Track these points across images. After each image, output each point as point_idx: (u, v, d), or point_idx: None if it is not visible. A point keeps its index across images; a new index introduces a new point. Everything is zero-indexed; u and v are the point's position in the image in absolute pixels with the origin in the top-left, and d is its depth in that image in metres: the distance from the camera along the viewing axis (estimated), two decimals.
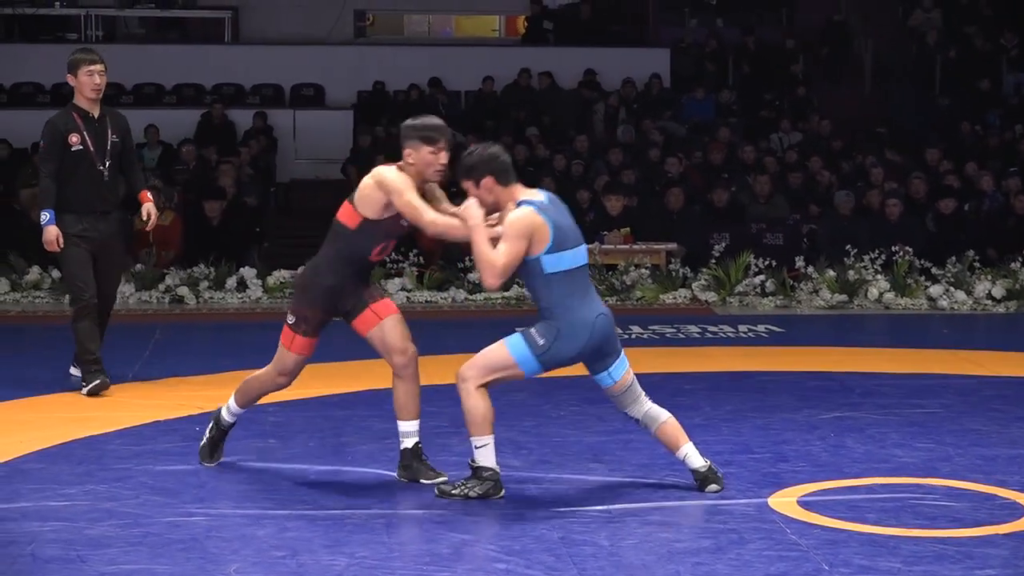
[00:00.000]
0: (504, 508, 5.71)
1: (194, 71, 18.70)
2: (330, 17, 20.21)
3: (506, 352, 5.68)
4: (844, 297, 12.26)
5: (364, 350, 9.56)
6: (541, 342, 5.63)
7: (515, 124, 17.22)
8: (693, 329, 10.83)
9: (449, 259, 12.87)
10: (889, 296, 12.27)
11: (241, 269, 12.65)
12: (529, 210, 5.61)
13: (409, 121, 5.98)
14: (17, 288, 12.55)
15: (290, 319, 6.13)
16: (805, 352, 9.84)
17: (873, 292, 12.27)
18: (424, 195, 5.88)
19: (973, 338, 10.88)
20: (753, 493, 5.90)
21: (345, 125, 17.79)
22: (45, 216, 8.11)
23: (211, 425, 6.40)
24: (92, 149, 8.22)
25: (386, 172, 5.87)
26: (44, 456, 6.61)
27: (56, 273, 12.56)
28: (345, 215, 5.95)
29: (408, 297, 12.48)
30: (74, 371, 8.48)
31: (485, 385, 5.69)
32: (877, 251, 12.51)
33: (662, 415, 5.87)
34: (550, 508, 5.64)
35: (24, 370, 8.88)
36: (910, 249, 12.62)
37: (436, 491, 5.86)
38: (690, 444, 5.88)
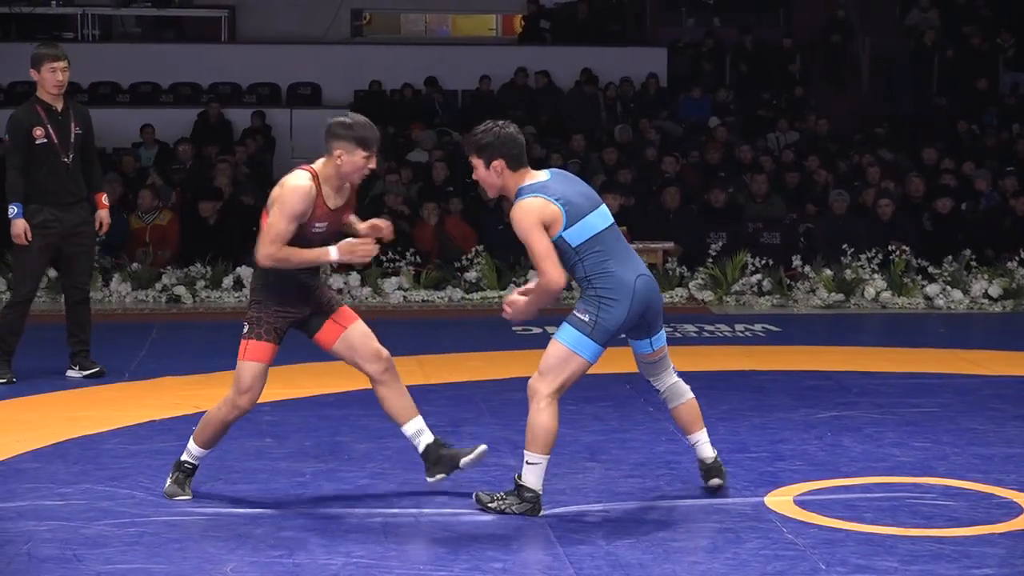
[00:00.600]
0: None
1: (190, 70, 18.68)
2: (327, 16, 20.20)
3: (559, 345, 5.50)
4: (841, 296, 12.26)
5: None
6: (586, 318, 5.47)
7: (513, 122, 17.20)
8: (690, 328, 10.83)
9: (446, 258, 12.87)
10: (886, 295, 12.27)
11: (238, 268, 12.64)
12: (530, 200, 5.49)
13: (341, 119, 5.66)
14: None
15: (243, 330, 5.85)
16: (802, 351, 9.84)
17: (870, 291, 12.27)
18: (340, 194, 5.65)
19: (970, 337, 10.88)
20: (750, 492, 5.90)
21: None
22: (13, 210, 8.24)
23: (173, 470, 5.90)
24: (56, 141, 8.34)
25: (288, 181, 5.57)
26: (40, 455, 6.60)
27: (52, 272, 12.55)
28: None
29: (405, 296, 12.48)
30: (73, 372, 8.58)
31: (557, 394, 5.50)
32: (874, 250, 12.52)
33: (687, 393, 5.82)
34: (547, 507, 5.63)
35: (19, 369, 8.86)
36: (907, 248, 12.63)
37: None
38: (705, 432, 5.85)
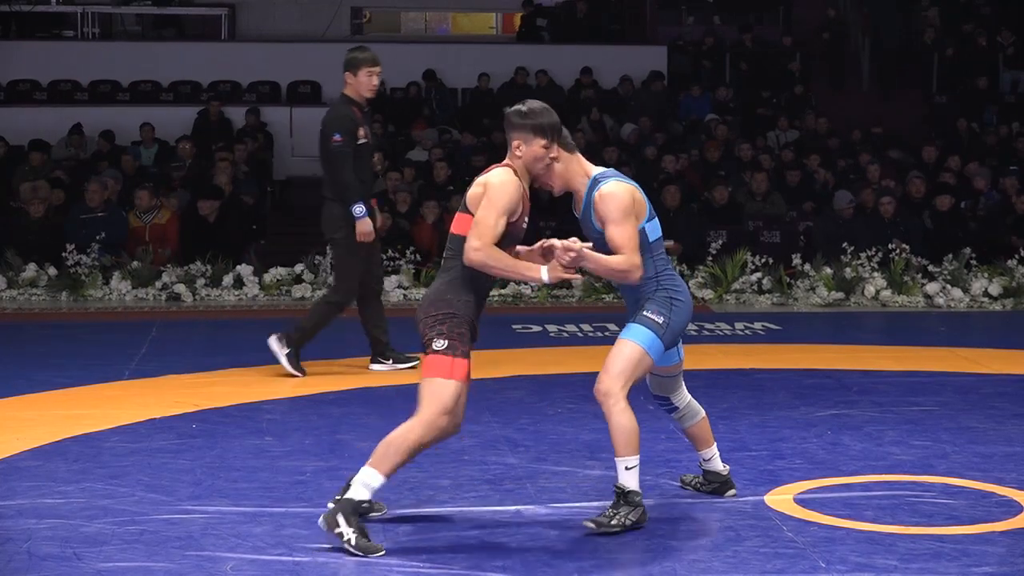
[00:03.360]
0: (501, 505, 5.70)
1: (190, 68, 18.67)
2: (327, 14, 20.21)
3: (633, 345, 5.35)
4: (841, 295, 12.26)
5: (357, 348, 9.59)
6: (660, 320, 5.39)
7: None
8: (690, 326, 10.79)
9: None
10: (886, 294, 12.27)
11: (238, 266, 12.64)
12: (623, 184, 5.39)
13: (517, 107, 5.32)
14: (14, 285, 12.53)
15: (439, 344, 5.15)
16: (802, 349, 9.83)
17: (870, 290, 12.27)
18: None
19: (970, 336, 10.89)
20: (750, 491, 5.90)
21: None
22: (359, 209, 8.41)
23: (344, 517, 5.09)
24: (370, 142, 8.68)
25: (493, 176, 5.22)
26: (40, 453, 6.60)
27: (52, 270, 12.56)
28: (462, 226, 5.25)
29: (405, 294, 12.48)
30: (380, 366, 8.79)
31: (627, 394, 5.35)
32: (874, 249, 12.52)
33: (702, 411, 5.83)
34: (547, 505, 5.63)
35: (20, 368, 8.87)
36: (907, 247, 12.63)
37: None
38: (716, 446, 5.85)
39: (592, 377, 5.46)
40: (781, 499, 5.77)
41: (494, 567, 4.93)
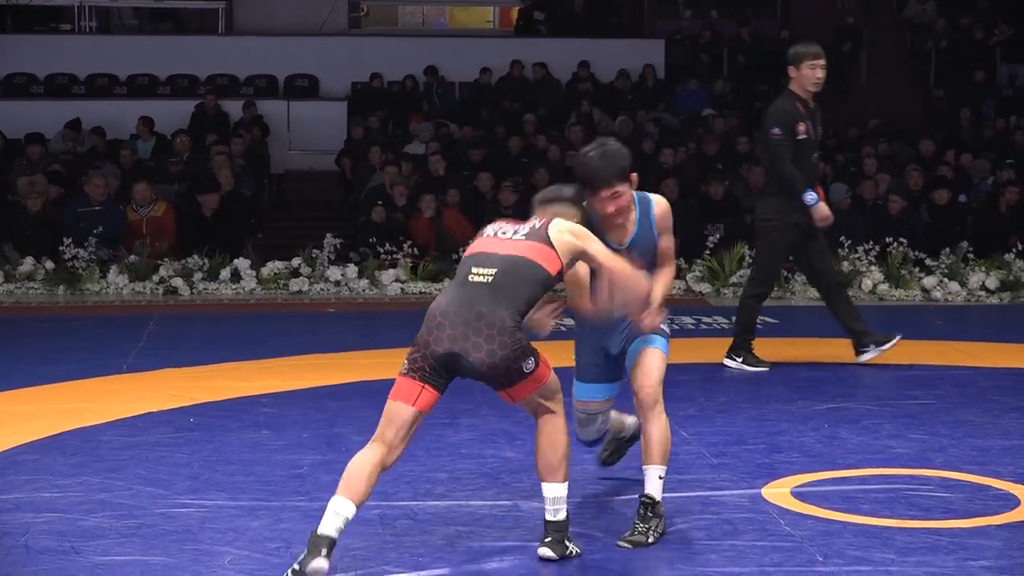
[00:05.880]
0: (499, 499, 5.70)
1: (188, 62, 18.66)
2: (324, 8, 20.18)
3: (662, 354, 5.35)
4: None
5: (354, 341, 9.61)
6: (667, 329, 5.45)
7: (508, 115, 17.21)
8: (687, 320, 10.83)
9: (443, 250, 12.86)
10: (883, 287, 12.27)
11: (235, 260, 12.64)
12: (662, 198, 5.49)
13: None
14: (11, 279, 12.53)
15: (528, 365, 4.88)
16: (799, 343, 9.84)
17: (867, 283, 12.28)
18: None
19: (967, 329, 10.89)
20: (747, 484, 5.90)
21: (339, 116, 17.75)
22: (811, 197, 8.46)
23: (555, 539, 4.99)
24: (812, 137, 8.59)
25: None
26: (38, 447, 6.60)
27: (49, 264, 12.55)
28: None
29: (402, 288, 12.48)
30: (735, 363, 8.77)
31: None
32: (871, 242, 12.51)
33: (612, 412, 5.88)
34: (544, 501, 5.62)
35: (18, 361, 8.87)
36: (904, 240, 12.63)
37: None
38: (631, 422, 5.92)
39: None
40: (778, 492, 5.77)
41: (492, 561, 4.93)
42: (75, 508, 5.54)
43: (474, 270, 4.91)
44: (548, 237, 4.95)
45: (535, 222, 5.06)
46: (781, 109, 8.58)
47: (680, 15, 20.99)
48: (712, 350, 9.39)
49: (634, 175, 5.31)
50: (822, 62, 8.52)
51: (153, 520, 5.38)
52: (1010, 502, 5.64)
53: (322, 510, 4.68)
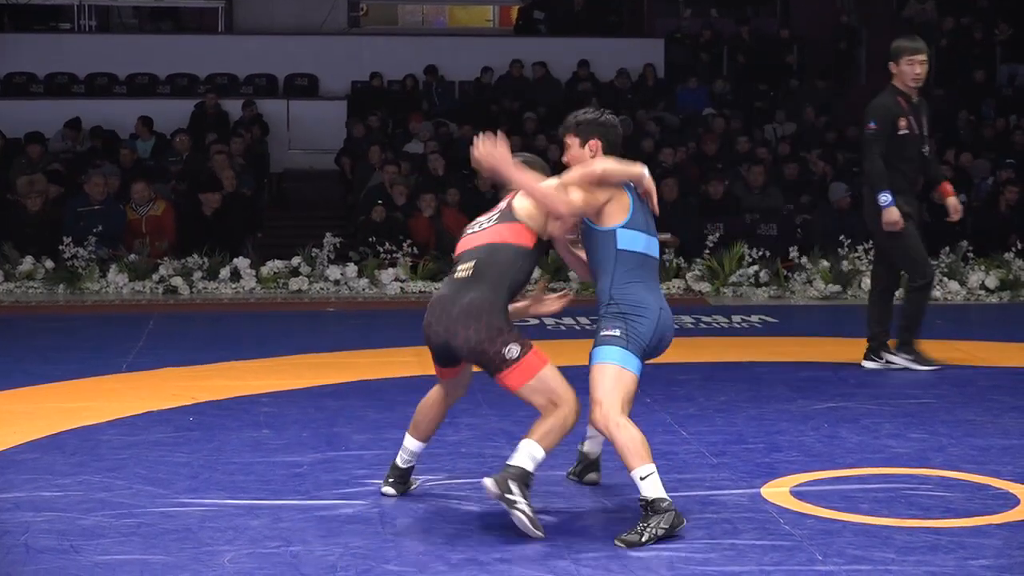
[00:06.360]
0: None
1: (187, 61, 18.67)
2: (324, 7, 20.19)
3: (605, 365, 5.23)
4: (838, 287, 12.27)
5: (354, 341, 9.60)
6: (616, 332, 5.24)
7: (509, 114, 17.22)
8: (687, 319, 10.83)
9: (443, 250, 12.87)
10: None
11: (235, 259, 12.64)
12: (618, 168, 5.35)
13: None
14: (11, 278, 12.53)
15: (511, 352, 5.18)
16: (799, 342, 9.84)
17: (867, 282, 12.26)
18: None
19: (967, 329, 10.89)
20: (746, 483, 5.90)
21: (339, 115, 17.77)
22: (885, 198, 8.40)
23: (513, 483, 5.14)
24: (916, 132, 8.54)
25: None
26: (37, 446, 6.60)
27: (49, 263, 12.56)
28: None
29: (402, 287, 12.49)
30: (895, 358, 8.70)
31: (625, 412, 5.21)
32: (871, 242, 12.50)
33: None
34: (544, 499, 5.63)
35: (17, 361, 8.87)
36: None
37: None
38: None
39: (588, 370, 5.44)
40: (778, 492, 5.77)
41: (491, 559, 4.93)
42: (75, 507, 5.54)
43: (458, 268, 5.33)
44: (513, 213, 5.34)
45: (503, 203, 5.45)
46: (881, 104, 8.54)
47: (680, 14, 21.00)
48: (712, 349, 9.40)
49: (594, 141, 5.42)
50: (921, 57, 8.46)
51: (153, 519, 5.38)
52: (1009, 501, 5.64)
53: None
